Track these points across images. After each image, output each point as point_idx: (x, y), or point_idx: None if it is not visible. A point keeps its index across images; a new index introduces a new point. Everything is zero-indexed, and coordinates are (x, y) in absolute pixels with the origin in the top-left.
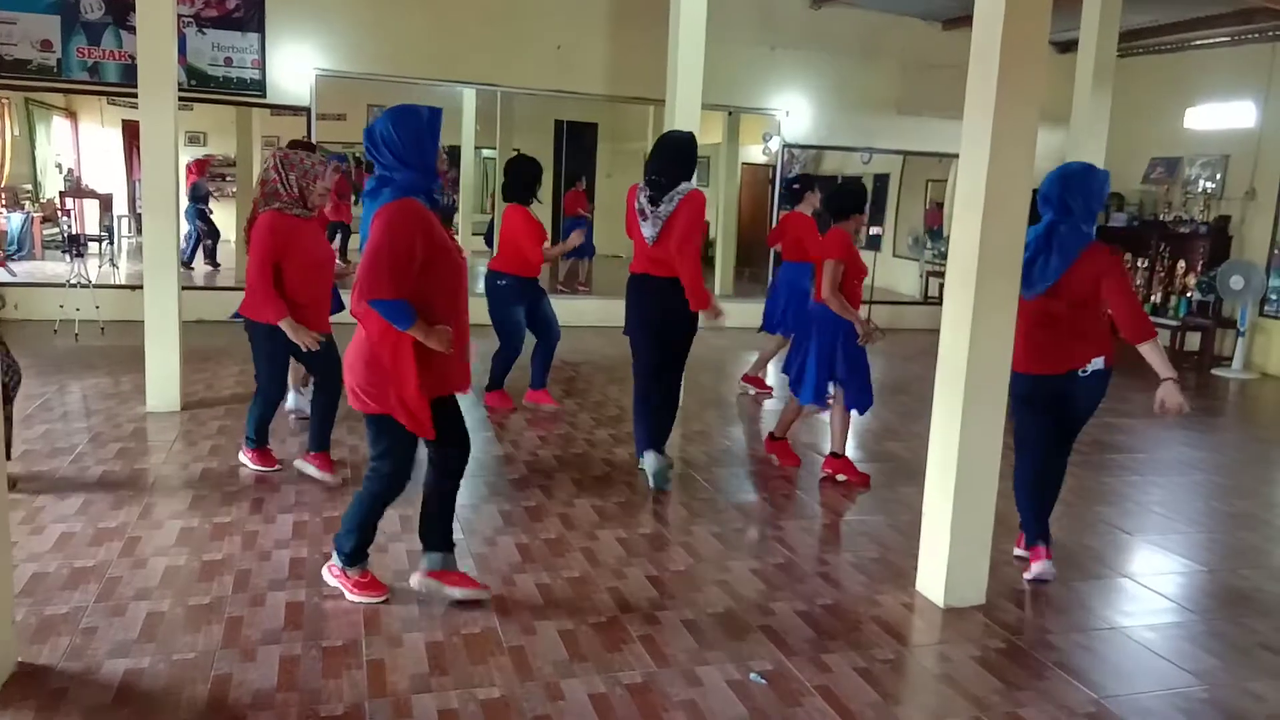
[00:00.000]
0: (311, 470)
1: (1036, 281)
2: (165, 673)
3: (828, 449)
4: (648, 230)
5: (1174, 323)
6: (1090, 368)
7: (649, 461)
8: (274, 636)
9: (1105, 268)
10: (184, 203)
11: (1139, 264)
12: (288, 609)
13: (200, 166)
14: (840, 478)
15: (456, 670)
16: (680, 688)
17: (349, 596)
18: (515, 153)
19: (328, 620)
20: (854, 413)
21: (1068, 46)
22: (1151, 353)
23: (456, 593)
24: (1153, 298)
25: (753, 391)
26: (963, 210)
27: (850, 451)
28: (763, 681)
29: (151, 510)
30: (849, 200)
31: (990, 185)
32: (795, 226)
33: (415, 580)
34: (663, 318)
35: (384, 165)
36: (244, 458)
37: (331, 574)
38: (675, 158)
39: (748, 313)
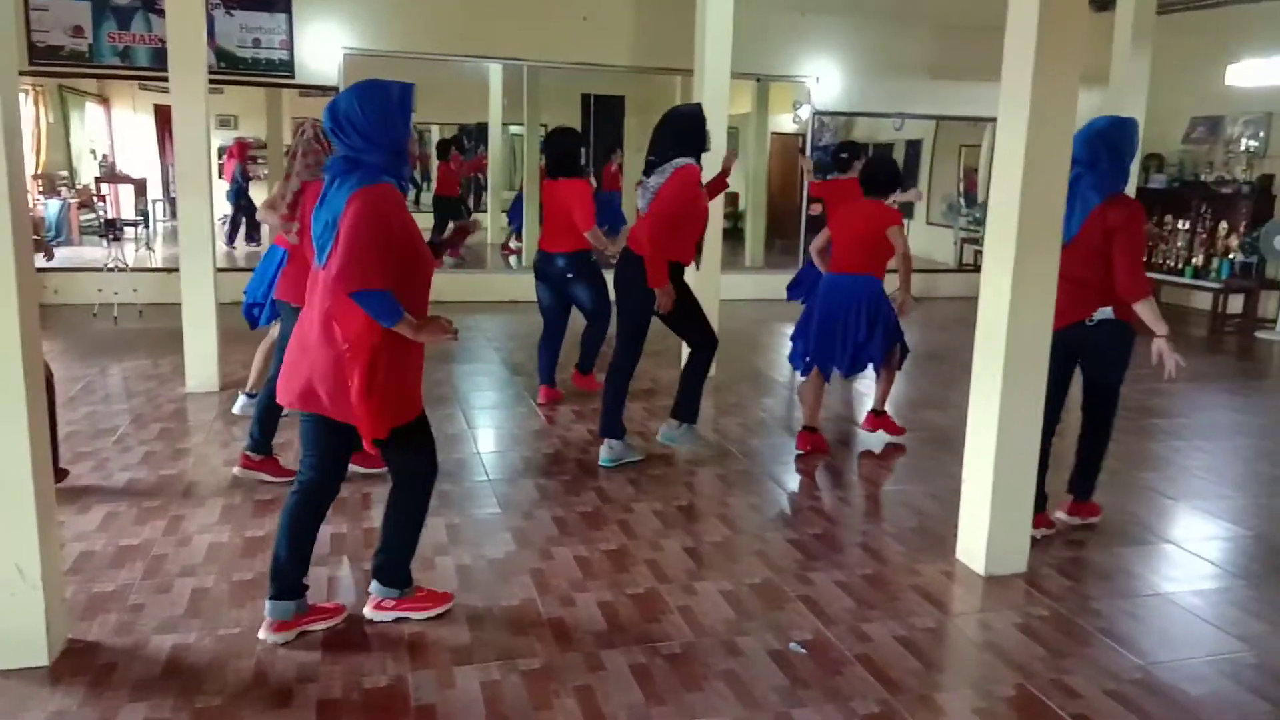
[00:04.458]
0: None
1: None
2: (211, 647)
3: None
4: (640, 201)
5: (1216, 285)
6: (1097, 316)
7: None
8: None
9: (1119, 221)
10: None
11: (1179, 225)
12: (329, 584)
13: (242, 150)
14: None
15: (497, 642)
16: (720, 658)
17: (416, 618)
18: (544, 128)
19: (368, 596)
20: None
21: (1105, 4)
22: (1144, 310)
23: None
24: (1194, 260)
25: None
26: (1002, 174)
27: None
28: (803, 651)
29: (194, 489)
30: (892, 175)
31: (1030, 148)
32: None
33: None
34: (620, 287)
35: (350, 146)
36: None
37: (382, 610)
38: (664, 134)
39: (779, 283)
